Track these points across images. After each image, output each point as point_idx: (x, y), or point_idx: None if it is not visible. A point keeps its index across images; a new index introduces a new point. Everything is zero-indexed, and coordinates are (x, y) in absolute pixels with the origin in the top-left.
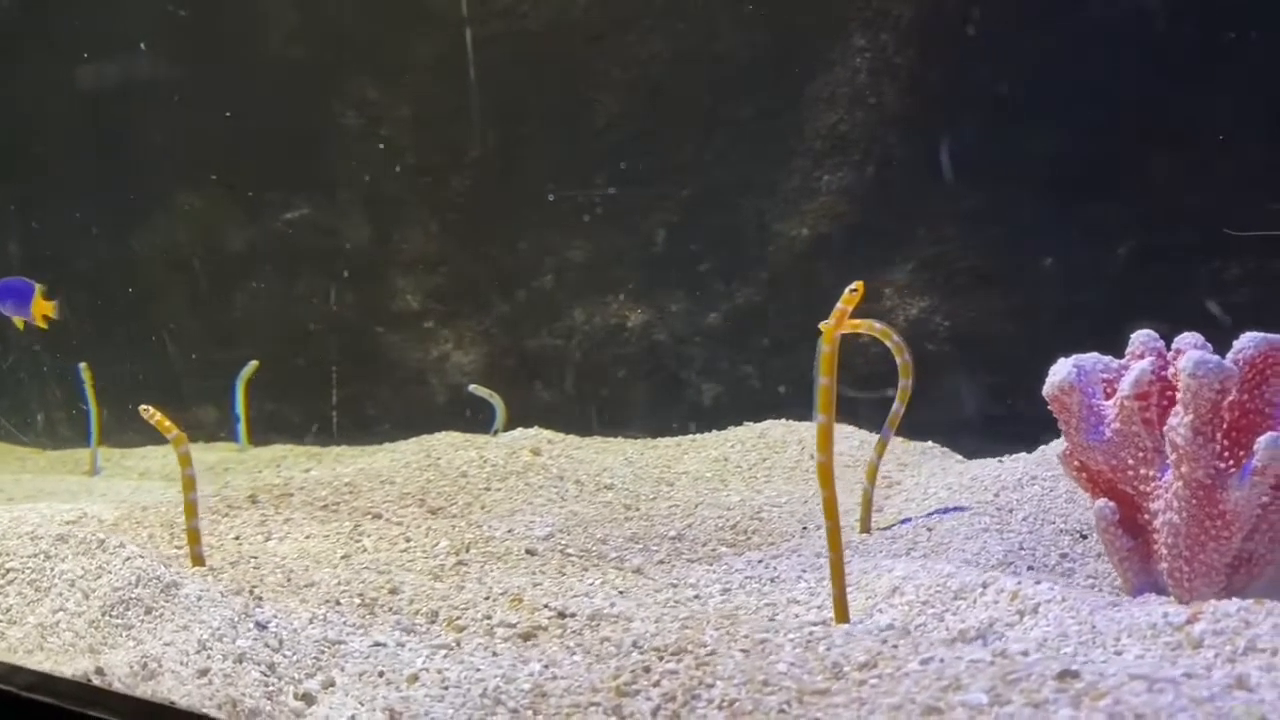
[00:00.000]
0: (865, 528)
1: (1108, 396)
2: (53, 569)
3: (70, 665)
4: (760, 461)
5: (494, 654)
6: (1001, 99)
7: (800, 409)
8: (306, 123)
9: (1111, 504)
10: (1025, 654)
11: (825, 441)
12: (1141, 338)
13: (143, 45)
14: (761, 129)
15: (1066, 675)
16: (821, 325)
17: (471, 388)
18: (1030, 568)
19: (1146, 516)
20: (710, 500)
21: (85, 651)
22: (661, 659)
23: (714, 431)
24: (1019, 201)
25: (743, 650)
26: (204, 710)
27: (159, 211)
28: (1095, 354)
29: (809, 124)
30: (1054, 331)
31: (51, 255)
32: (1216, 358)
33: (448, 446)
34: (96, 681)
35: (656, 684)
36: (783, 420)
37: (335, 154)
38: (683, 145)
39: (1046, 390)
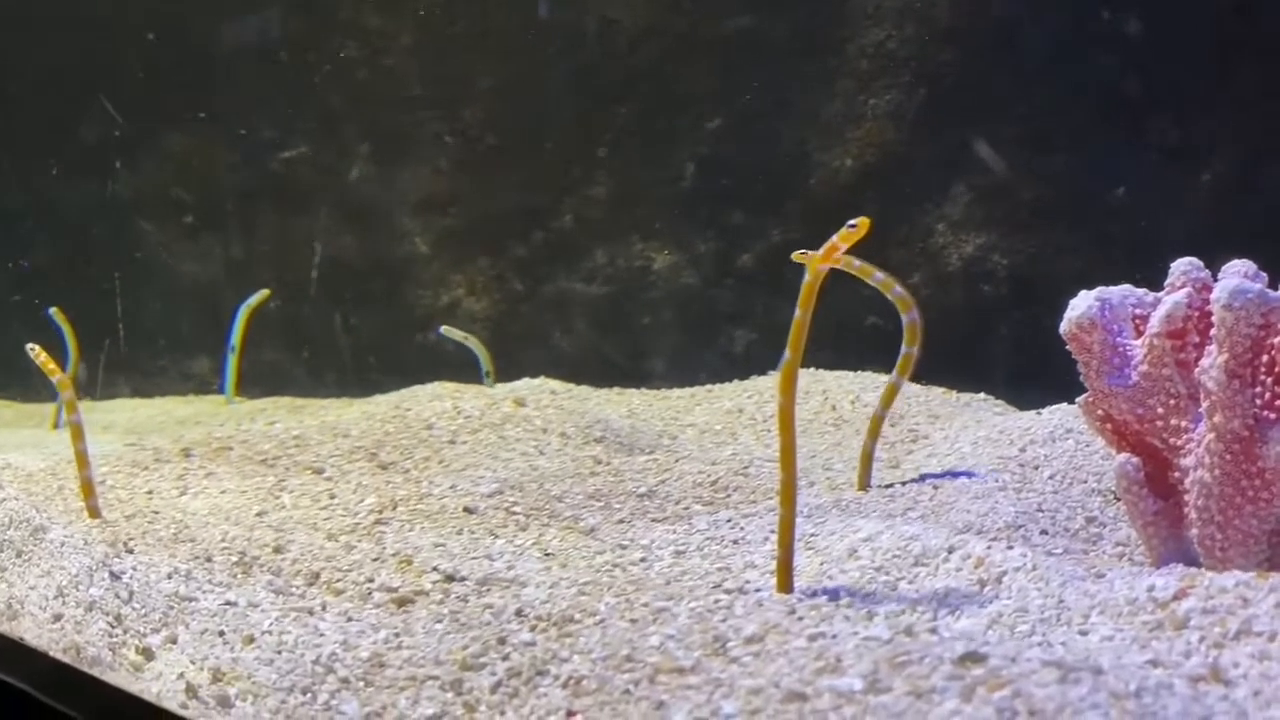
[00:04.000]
0: (862, 485)
1: (1139, 335)
2: None
3: None
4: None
5: (350, 619)
6: (1067, 10)
7: (835, 357)
8: (302, 54)
9: (1135, 459)
10: (934, 632)
11: (788, 382)
12: (1183, 266)
13: None
14: (800, 48)
15: (968, 660)
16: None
17: (442, 330)
18: (1044, 532)
19: (1177, 474)
20: (698, 455)
21: None
22: (533, 629)
23: (735, 381)
24: (1088, 124)
25: (632, 620)
26: (50, 652)
27: (144, 151)
28: (1125, 286)
29: (853, 42)
30: (1127, 270)
31: (31, 198)
32: (1258, 287)
33: (426, 397)
34: None
35: (506, 658)
36: (811, 369)
37: (334, 87)
38: (713, 68)
39: (1063, 326)
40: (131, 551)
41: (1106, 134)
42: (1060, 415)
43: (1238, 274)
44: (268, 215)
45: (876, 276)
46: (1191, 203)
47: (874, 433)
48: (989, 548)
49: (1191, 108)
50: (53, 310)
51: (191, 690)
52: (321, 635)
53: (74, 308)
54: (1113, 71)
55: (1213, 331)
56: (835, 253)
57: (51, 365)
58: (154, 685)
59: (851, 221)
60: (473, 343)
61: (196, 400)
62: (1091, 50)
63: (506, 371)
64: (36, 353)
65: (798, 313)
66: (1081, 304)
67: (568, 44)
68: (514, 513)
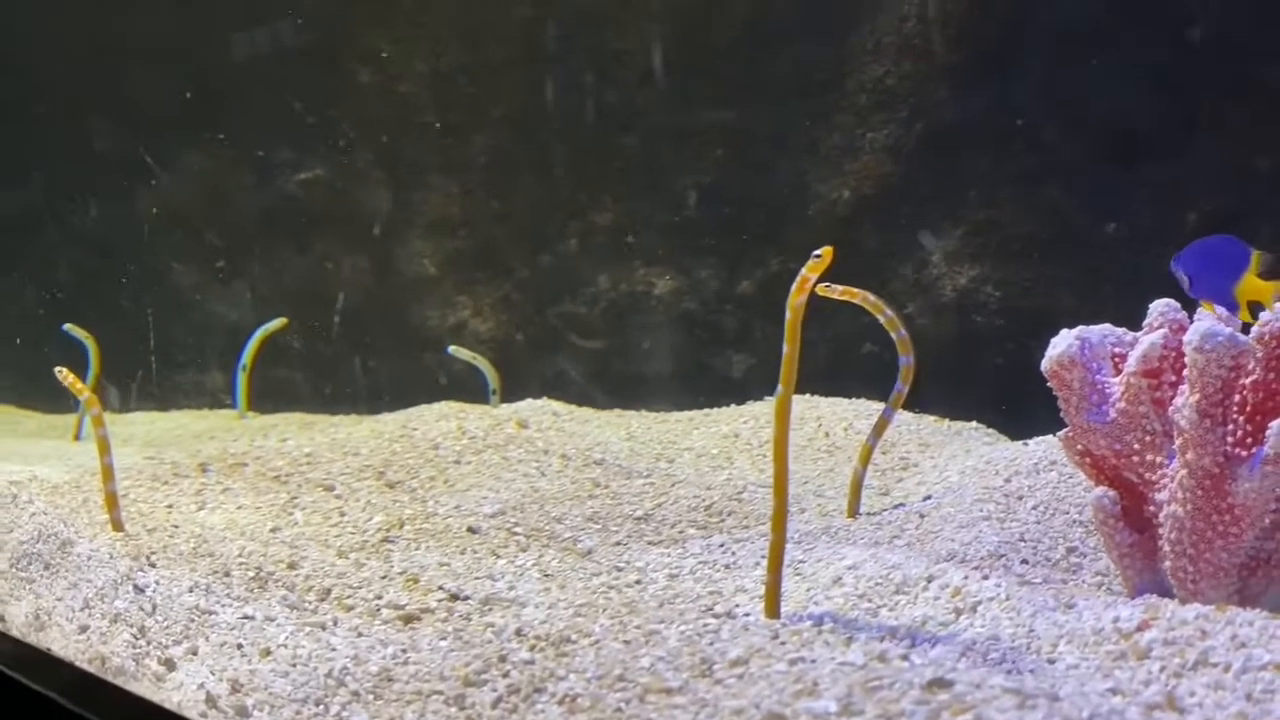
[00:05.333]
0: (852, 512)
1: (1118, 373)
2: None
3: None
4: (772, 439)
5: (360, 634)
6: (1063, 48)
7: (832, 384)
8: (319, 79)
9: (1112, 493)
10: (906, 658)
11: (782, 413)
12: (1160, 307)
13: None
14: (801, 83)
15: (936, 685)
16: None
17: (451, 350)
18: (1025, 561)
19: (1152, 508)
20: (693, 479)
21: None
22: (532, 648)
23: (732, 406)
24: (1080, 161)
25: (625, 641)
26: (77, 662)
27: (165, 172)
28: (1106, 325)
29: (852, 77)
30: (1117, 304)
31: (55, 217)
32: (1229, 330)
33: (433, 417)
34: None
35: (506, 675)
36: (806, 395)
37: (349, 112)
38: (717, 101)
39: (1044, 364)
40: (154, 565)
41: (1098, 171)
42: (1045, 447)
43: (1210, 317)
44: (282, 235)
45: (887, 314)
46: (1179, 240)
47: (864, 460)
48: (966, 578)
49: (1180, 147)
50: (67, 326)
51: (211, 700)
52: (334, 650)
53: (95, 324)
54: (1105, 110)
55: (1186, 372)
56: (807, 284)
57: (79, 385)
58: (175, 695)
59: (816, 252)
60: (481, 362)
61: (210, 415)
62: (1084, 89)
63: (510, 392)
64: (64, 374)
65: (786, 349)
66: (1062, 343)
67: (576, 75)
68: (515, 533)
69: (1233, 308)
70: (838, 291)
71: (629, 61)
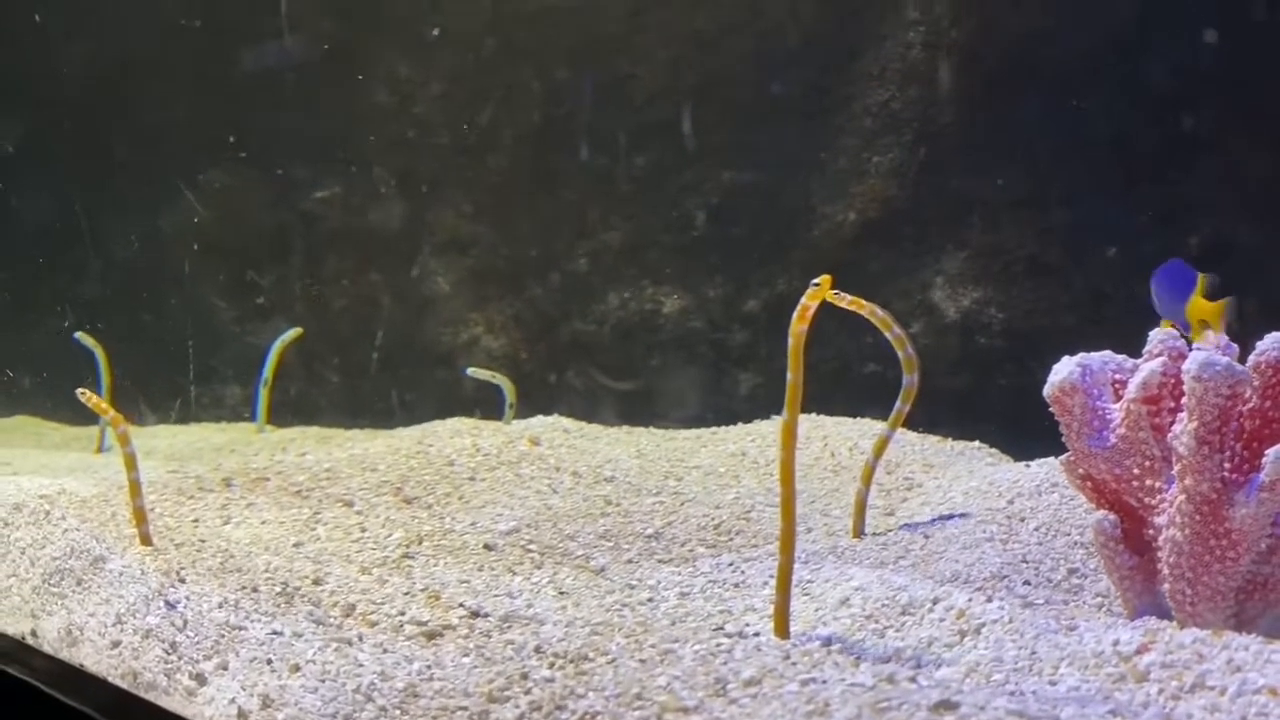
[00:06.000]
0: (857, 532)
1: (1118, 399)
2: (9, 536)
3: (14, 626)
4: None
5: (385, 650)
6: (1065, 74)
7: (835, 404)
8: (337, 99)
9: (1112, 517)
10: (914, 680)
11: (788, 438)
12: (1159, 335)
13: (169, 19)
14: (808, 106)
15: (942, 707)
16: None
17: (470, 371)
18: (1027, 583)
19: (1152, 532)
20: (702, 498)
21: (28, 616)
22: (552, 666)
23: (739, 425)
24: (1082, 185)
25: (641, 660)
26: (109, 678)
27: (188, 190)
28: (1106, 352)
29: (858, 101)
30: (1118, 326)
31: (78, 234)
32: (1226, 359)
33: (447, 433)
34: (30, 642)
35: (528, 692)
36: (811, 414)
37: (366, 132)
38: (725, 124)
39: (1046, 390)
40: (184, 581)
41: (1100, 195)
42: (1047, 469)
43: (1208, 346)
44: (298, 251)
45: (895, 331)
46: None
47: (867, 480)
48: (970, 600)
49: (1181, 171)
50: (79, 335)
51: (243, 715)
52: (360, 665)
53: (120, 339)
54: (1107, 134)
55: (1184, 399)
56: (808, 312)
57: (104, 406)
58: (207, 710)
59: (815, 280)
60: (500, 379)
61: (230, 428)
62: (1085, 116)
63: (521, 408)
64: (87, 397)
65: (789, 376)
66: (1064, 369)
67: (587, 98)
68: (530, 551)
69: (1187, 328)
70: (846, 300)
71: (639, 84)
